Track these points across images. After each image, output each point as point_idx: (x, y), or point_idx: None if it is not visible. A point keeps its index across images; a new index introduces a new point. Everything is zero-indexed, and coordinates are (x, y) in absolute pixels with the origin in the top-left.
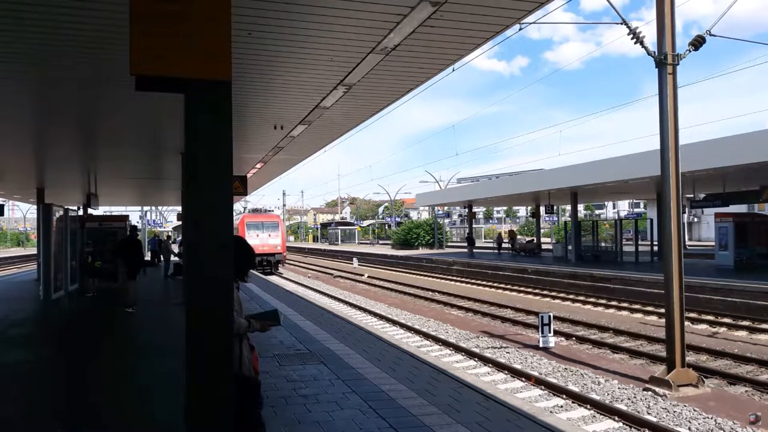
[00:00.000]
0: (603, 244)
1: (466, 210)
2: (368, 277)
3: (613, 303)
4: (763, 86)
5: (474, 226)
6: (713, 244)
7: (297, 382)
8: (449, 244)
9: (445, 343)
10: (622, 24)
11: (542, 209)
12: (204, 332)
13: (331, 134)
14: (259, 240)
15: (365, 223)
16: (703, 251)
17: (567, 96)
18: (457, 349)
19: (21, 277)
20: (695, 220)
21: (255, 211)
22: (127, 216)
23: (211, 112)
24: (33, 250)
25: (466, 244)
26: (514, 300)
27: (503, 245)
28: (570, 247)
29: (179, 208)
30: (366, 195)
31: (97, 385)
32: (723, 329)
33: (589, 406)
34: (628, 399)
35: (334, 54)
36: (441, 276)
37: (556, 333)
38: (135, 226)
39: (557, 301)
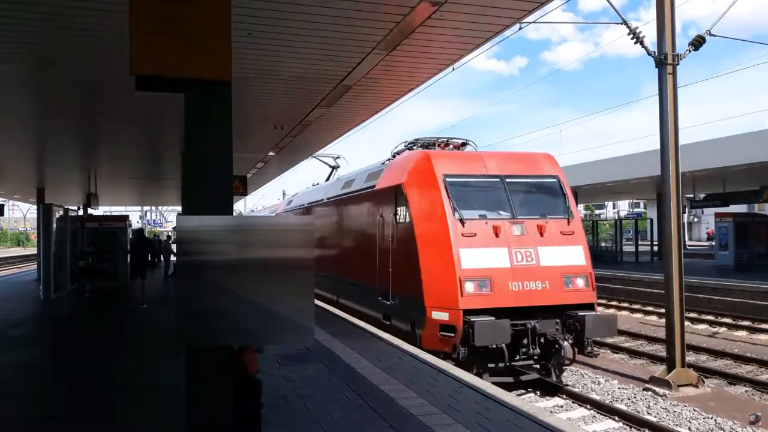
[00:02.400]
0: (603, 244)
1: None
2: None
3: (613, 303)
4: (762, 87)
5: None
6: (713, 243)
7: (297, 382)
8: None
9: None
10: (621, 24)
11: None
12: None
13: (331, 134)
14: (512, 254)
15: None
16: (703, 251)
17: (567, 96)
18: None
19: (21, 277)
20: (695, 220)
21: (460, 146)
22: (127, 216)
23: (211, 112)
24: (33, 250)
25: None
26: None
27: None
28: None
29: (179, 208)
30: None
31: (97, 385)
32: (723, 329)
33: (589, 406)
34: (628, 399)
35: (335, 54)
36: None
37: None
38: (141, 229)
39: None
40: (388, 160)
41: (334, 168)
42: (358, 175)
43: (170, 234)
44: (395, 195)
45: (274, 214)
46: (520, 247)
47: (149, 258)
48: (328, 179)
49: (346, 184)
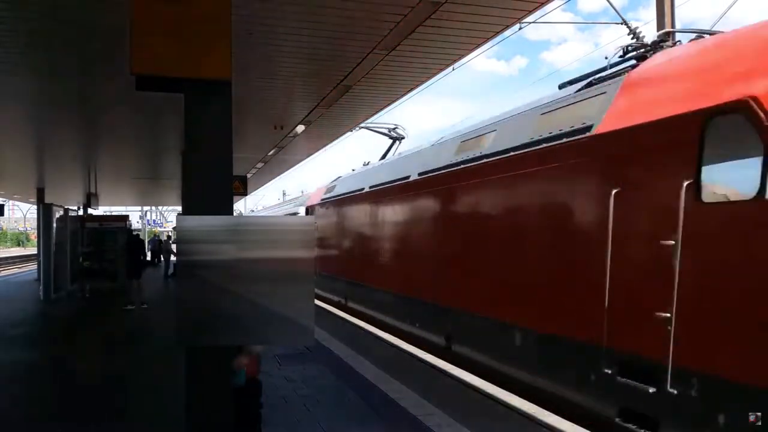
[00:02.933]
0: None
1: None
2: None
3: None
4: None
5: None
6: None
7: (297, 382)
8: None
9: None
10: (622, 24)
11: None
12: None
13: (331, 134)
14: None
15: None
16: None
17: None
18: None
19: (21, 277)
20: None
21: None
22: (127, 216)
23: (211, 112)
24: (33, 250)
25: None
26: None
27: None
28: None
29: (179, 208)
30: None
31: (97, 385)
32: None
33: None
34: None
35: (335, 54)
36: None
37: None
38: (131, 230)
39: None
40: (588, 82)
41: (396, 140)
42: (505, 124)
43: (170, 234)
44: (702, 134)
45: (303, 209)
46: None
47: (141, 258)
48: (384, 156)
49: (471, 143)
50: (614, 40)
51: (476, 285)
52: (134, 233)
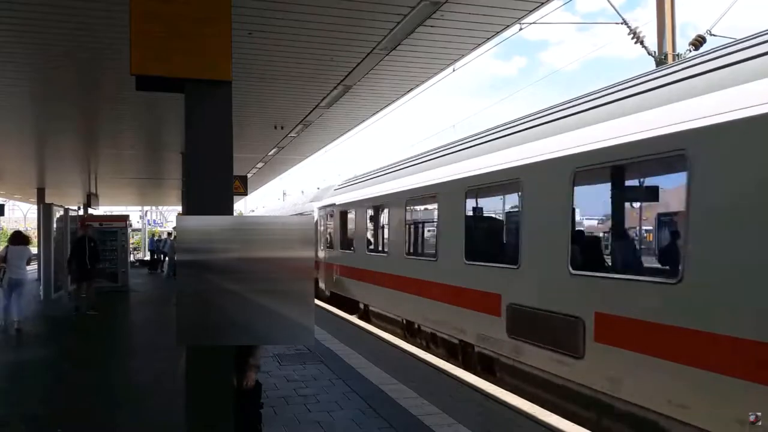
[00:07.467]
0: None
1: None
2: None
3: None
4: None
5: None
6: None
7: (297, 382)
8: None
9: None
10: (621, 24)
11: None
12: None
13: (331, 134)
14: None
15: None
16: None
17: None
18: None
19: None
20: None
21: None
22: (128, 216)
23: (211, 112)
24: (33, 250)
25: None
26: None
27: None
28: None
29: (179, 208)
30: None
31: (97, 385)
32: None
33: None
34: None
35: (335, 54)
36: None
37: None
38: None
39: None
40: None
41: None
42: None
43: (170, 233)
44: None
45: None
46: None
47: (90, 261)
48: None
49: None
50: (612, 41)
51: None
52: (82, 234)
